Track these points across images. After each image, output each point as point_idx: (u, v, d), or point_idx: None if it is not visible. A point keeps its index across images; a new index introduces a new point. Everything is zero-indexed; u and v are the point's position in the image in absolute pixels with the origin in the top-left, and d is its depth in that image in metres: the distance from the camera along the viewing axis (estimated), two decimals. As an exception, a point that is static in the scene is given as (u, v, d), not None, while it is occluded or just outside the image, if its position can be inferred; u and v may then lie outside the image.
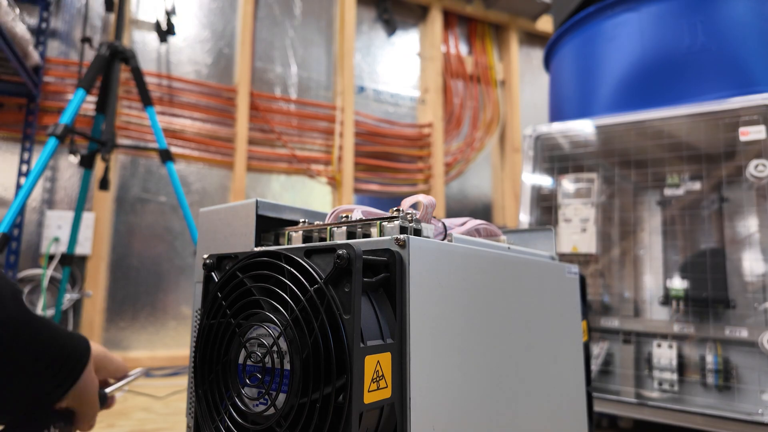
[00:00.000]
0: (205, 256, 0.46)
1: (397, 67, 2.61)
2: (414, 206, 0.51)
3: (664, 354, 0.96)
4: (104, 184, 1.64)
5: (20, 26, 1.45)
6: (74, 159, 1.59)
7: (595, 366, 1.02)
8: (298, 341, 0.36)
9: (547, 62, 1.51)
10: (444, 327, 0.43)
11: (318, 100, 2.35)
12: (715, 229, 0.98)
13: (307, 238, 0.52)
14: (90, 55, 1.86)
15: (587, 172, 1.13)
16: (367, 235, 0.48)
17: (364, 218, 0.49)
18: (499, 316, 0.50)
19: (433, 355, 0.41)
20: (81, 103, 1.39)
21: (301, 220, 0.56)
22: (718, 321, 0.93)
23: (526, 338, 0.54)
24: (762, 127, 0.93)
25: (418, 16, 2.70)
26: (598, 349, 1.03)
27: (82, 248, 1.78)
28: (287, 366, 0.36)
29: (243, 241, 0.54)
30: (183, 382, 1.55)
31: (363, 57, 2.52)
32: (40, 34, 1.81)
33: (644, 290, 1.03)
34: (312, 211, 0.59)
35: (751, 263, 0.92)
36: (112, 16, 1.93)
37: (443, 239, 0.50)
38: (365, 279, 0.37)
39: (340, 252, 0.36)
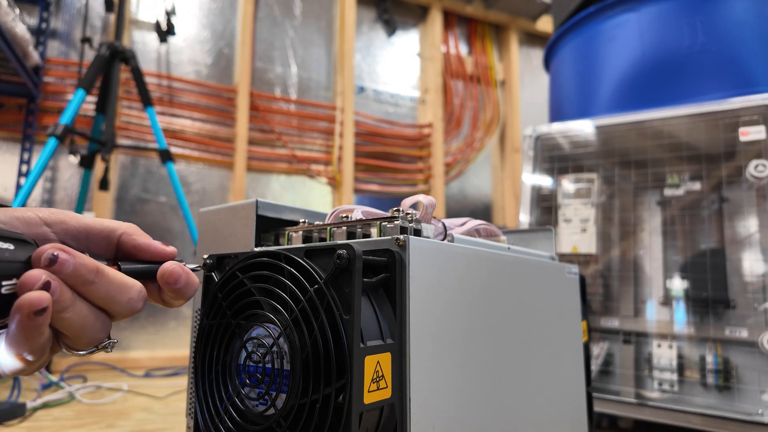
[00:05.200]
0: (205, 256, 0.46)
1: (397, 68, 2.61)
2: (414, 206, 0.51)
3: (664, 354, 0.96)
4: (104, 185, 1.64)
5: (20, 26, 1.45)
6: (74, 159, 1.59)
7: (595, 366, 1.02)
8: (298, 341, 0.36)
9: (547, 62, 1.51)
10: (444, 327, 0.43)
11: (318, 100, 2.35)
12: (715, 230, 0.98)
13: (307, 239, 0.52)
14: (90, 55, 1.86)
15: (587, 173, 1.13)
16: (367, 236, 0.48)
17: (364, 218, 0.49)
18: (499, 317, 0.50)
19: (434, 355, 0.41)
20: (81, 104, 1.40)
21: (301, 220, 0.56)
22: (718, 321, 0.93)
23: (526, 338, 0.54)
24: (762, 127, 0.93)
25: (418, 16, 2.70)
26: (598, 349, 1.03)
27: (82, 248, 1.78)
28: (287, 366, 0.36)
29: (243, 241, 0.54)
30: (183, 382, 1.55)
31: (363, 57, 2.52)
32: (40, 34, 1.81)
33: (644, 290, 1.03)
34: (312, 211, 0.59)
35: (751, 263, 0.92)
36: (112, 16, 1.93)
37: (443, 239, 0.50)
38: (365, 279, 0.37)
39: (340, 252, 0.36)
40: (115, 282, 0.31)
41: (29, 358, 0.29)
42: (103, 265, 0.31)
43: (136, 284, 0.32)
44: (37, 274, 0.27)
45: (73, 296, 0.29)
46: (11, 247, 0.28)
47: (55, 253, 0.28)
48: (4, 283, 0.27)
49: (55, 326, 0.29)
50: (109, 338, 0.33)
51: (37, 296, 0.27)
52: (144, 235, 0.35)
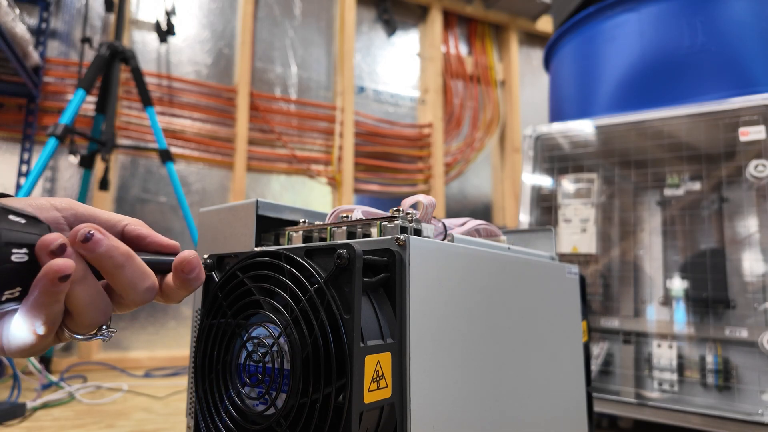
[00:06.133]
0: (206, 256, 0.46)
1: (397, 68, 2.61)
2: (414, 206, 0.51)
3: (664, 354, 0.96)
4: (104, 185, 1.64)
5: (20, 26, 1.45)
6: (74, 159, 1.59)
7: (595, 366, 1.02)
8: (299, 341, 0.36)
9: (547, 62, 1.51)
10: (444, 327, 0.43)
11: (318, 100, 2.35)
12: (715, 230, 0.98)
13: (307, 238, 0.52)
14: (90, 55, 1.86)
15: (587, 173, 1.13)
16: (367, 235, 0.48)
17: (364, 218, 0.49)
18: (499, 317, 0.50)
19: (434, 355, 0.41)
20: (81, 104, 1.40)
21: (301, 220, 0.56)
22: (718, 321, 0.93)
23: (526, 338, 0.54)
24: (762, 127, 0.93)
25: (418, 16, 2.70)
26: (598, 349, 1.03)
27: (82, 248, 1.78)
28: (287, 366, 0.36)
29: (243, 241, 0.55)
30: (183, 382, 1.55)
31: (363, 57, 2.52)
32: (40, 34, 1.81)
33: (644, 290, 1.03)
34: (312, 211, 0.59)
35: (751, 263, 0.92)
36: (112, 16, 1.93)
37: (443, 239, 0.50)
38: (365, 279, 0.37)
39: (341, 252, 0.36)
40: (141, 269, 0.32)
41: (41, 331, 0.29)
42: (132, 251, 0.31)
43: (152, 274, 0.33)
44: (55, 236, 0.28)
45: (86, 270, 0.30)
46: (22, 221, 0.28)
47: (91, 232, 0.29)
48: (14, 251, 0.27)
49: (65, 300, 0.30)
50: (109, 326, 0.33)
51: (63, 262, 0.27)
52: (148, 229, 0.36)
